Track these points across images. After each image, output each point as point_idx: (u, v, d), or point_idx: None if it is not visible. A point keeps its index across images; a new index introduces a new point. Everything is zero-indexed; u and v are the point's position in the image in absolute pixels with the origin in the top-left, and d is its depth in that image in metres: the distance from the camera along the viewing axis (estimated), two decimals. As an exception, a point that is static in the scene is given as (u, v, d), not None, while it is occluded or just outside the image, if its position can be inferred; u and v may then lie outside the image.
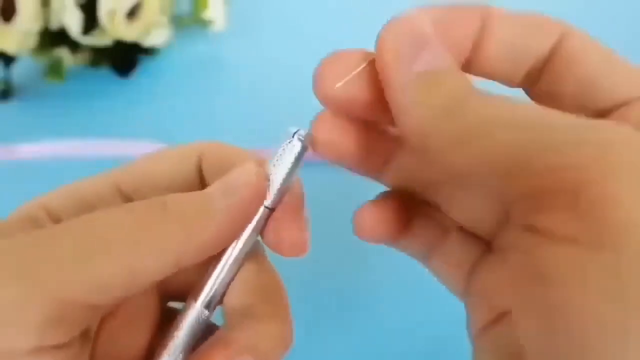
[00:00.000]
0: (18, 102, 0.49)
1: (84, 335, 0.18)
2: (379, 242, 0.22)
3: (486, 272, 0.20)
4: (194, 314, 0.20)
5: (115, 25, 0.46)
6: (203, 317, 0.20)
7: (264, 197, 0.20)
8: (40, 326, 0.16)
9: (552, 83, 0.19)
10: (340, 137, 0.20)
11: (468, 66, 0.20)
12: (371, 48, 0.20)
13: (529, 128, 0.15)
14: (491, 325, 0.19)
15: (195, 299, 0.20)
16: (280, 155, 0.20)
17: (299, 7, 0.58)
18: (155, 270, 0.18)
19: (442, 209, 0.22)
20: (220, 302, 0.20)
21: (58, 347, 0.17)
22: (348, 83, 0.18)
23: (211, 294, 0.20)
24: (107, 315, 0.20)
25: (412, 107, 0.17)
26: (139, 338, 0.21)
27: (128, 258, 0.17)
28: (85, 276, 0.17)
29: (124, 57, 0.50)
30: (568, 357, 0.14)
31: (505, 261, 0.19)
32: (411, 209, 0.22)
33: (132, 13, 0.47)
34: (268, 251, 0.21)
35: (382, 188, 0.23)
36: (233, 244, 0.20)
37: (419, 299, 0.35)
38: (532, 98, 0.20)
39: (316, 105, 0.21)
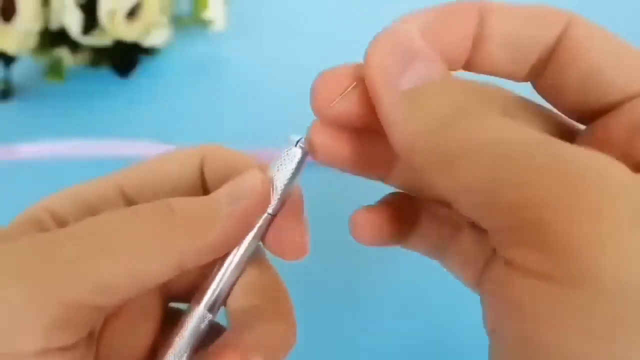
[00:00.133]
0: (18, 102, 0.49)
1: (89, 336, 0.19)
2: (377, 245, 0.22)
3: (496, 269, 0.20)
4: (197, 316, 0.20)
5: (115, 25, 0.46)
6: (206, 319, 0.20)
7: (268, 204, 0.20)
8: (46, 328, 0.16)
9: (557, 76, 0.19)
10: (339, 143, 0.20)
11: (470, 65, 0.19)
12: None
13: (499, 159, 0.15)
14: None
15: (199, 302, 0.20)
16: (282, 162, 0.20)
17: (299, 7, 0.58)
18: (159, 272, 0.18)
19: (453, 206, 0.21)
20: (223, 304, 0.21)
21: (64, 349, 0.17)
22: (342, 100, 0.18)
23: (214, 296, 0.20)
24: (111, 316, 0.20)
25: (398, 125, 0.17)
26: (142, 339, 0.21)
27: (132, 260, 0.17)
28: (90, 278, 0.17)
29: (124, 57, 0.50)
30: None
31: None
32: (418, 209, 0.22)
33: (132, 13, 0.47)
34: (268, 253, 0.22)
35: (381, 189, 0.23)
36: (236, 248, 0.20)
37: (419, 299, 0.35)
38: (538, 92, 0.20)
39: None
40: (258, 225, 0.20)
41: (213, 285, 0.20)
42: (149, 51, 0.51)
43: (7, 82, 0.49)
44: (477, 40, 0.19)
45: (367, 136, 0.20)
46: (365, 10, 0.55)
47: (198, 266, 0.19)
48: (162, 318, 0.22)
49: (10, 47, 0.45)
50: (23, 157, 0.45)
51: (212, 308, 0.20)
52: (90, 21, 0.45)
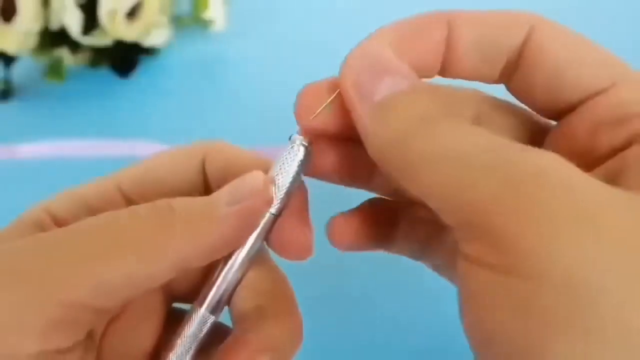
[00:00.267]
0: (18, 102, 0.49)
1: (89, 338, 0.18)
2: (355, 251, 0.22)
3: None
4: (199, 317, 0.20)
5: (115, 25, 0.46)
6: (209, 320, 0.20)
7: (270, 204, 0.20)
8: (43, 330, 0.16)
9: (525, 77, 0.19)
10: (320, 154, 0.21)
11: (444, 71, 0.20)
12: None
13: (453, 165, 0.16)
14: None
15: (201, 303, 0.20)
16: (284, 161, 0.20)
17: (299, 7, 0.58)
18: (159, 273, 0.18)
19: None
20: (227, 304, 0.21)
21: (62, 351, 0.17)
22: (321, 114, 0.19)
23: (217, 297, 0.20)
24: (113, 316, 0.20)
25: (370, 136, 0.18)
26: (145, 339, 0.21)
27: (132, 261, 0.17)
28: (89, 279, 0.17)
29: (124, 57, 0.50)
30: None
31: None
32: (397, 214, 0.23)
33: (132, 13, 0.47)
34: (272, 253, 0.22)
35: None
36: (239, 248, 0.20)
37: (419, 299, 0.35)
38: (511, 93, 0.21)
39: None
40: (261, 225, 0.20)
41: (216, 286, 0.20)
42: (149, 51, 0.51)
43: (7, 82, 0.49)
44: (449, 48, 0.20)
45: (347, 146, 0.21)
46: (365, 11, 0.55)
47: (200, 266, 0.19)
48: (165, 318, 0.22)
49: (10, 47, 0.45)
50: (23, 157, 0.45)
51: (215, 309, 0.20)
52: (91, 21, 0.46)
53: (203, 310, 0.20)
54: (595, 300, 0.14)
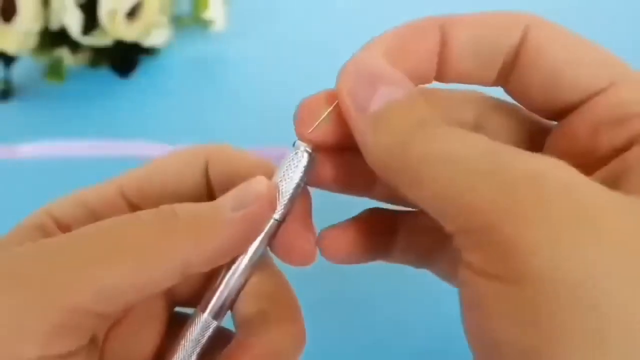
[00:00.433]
0: (18, 102, 0.49)
1: (91, 342, 0.18)
2: (349, 263, 0.22)
3: None
4: (202, 322, 0.20)
5: (115, 25, 0.46)
6: (212, 325, 0.20)
7: (274, 210, 0.20)
8: (45, 335, 0.16)
9: (522, 78, 0.19)
10: (321, 165, 0.21)
11: (441, 76, 0.20)
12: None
13: (451, 170, 0.16)
14: None
15: (204, 308, 0.20)
16: (288, 167, 0.20)
17: (299, 7, 0.58)
18: (162, 279, 0.18)
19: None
20: (230, 309, 0.21)
21: (64, 356, 0.17)
22: (319, 126, 0.20)
23: (220, 302, 0.20)
24: (115, 320, 0.20)
25: (368, 145, 0.18)
26: (147, 344, 0.21)
27: (135, 267, 0.17)
28: (92, 284, 0.17)
29: (124, 57, 0.50)
30: None
31: None
32: (395, 224, 0.22)
33: (132, 13, 0.47)
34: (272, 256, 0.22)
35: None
36: (242, 254, 0.20)
37: (420, 302, 0.35)
38: (509, 94, 0.21)
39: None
40: (264, 231, 0.20)
41: (219, 291, 0.20)
42: (149, 51, 0.51)
43: (7, 82, 0.49)
44: (443, 53, 0.20)
45: (345, 155, 0.21)
46: (365, 11, 0.55)
47: (203, 272, 0.19)
48: (168, 323, 0.22)
49: (10, 47, 0.45)
50: (23, 157, 0.45)
51: (218, 314, 0.20)
52: (91, 21, 0.45)
53: (206, 315, 0.20)
54: (598, 303, 0.14)
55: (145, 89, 0.51)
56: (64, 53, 0.48)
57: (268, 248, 0.21)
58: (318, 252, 0.21)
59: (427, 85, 0.21)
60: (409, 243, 0.23)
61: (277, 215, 0.20)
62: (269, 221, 0.20)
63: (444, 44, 0.19)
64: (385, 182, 0.18)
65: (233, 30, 0.55)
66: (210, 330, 0.20)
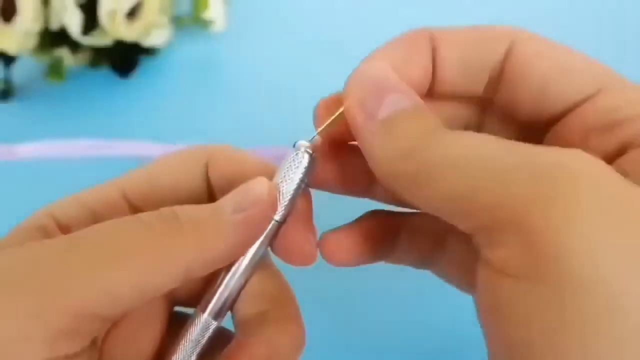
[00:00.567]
0: (18, 102, 0.49)
1: (92, 344, 0.18)
2: (350, 266, 0.22)
3: None
4: (202, 323, 0.20)
5: (115, 26, 0.46)
6: (212, 326, 0.20)
7: (275, 212, 0.20)
8: (49, 339, 0.16)
9: (509, 91, 0.20)
10: (320, 167, 0.21)
11: (430, 93, 0.21)
12: (370, 47, 0.20)
13: (472, 167, 0.16)
14: None
15: (204, 309, 0.20)
16: (288, 168, 0.20)
17: (299, 7, 0.58)
18: (164, 281, 0.18)
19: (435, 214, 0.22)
20: (230, 309, 0.21)
21: (67, 358, 0.17)
22: (328, 126, 0.20)
23: (220, 303, 0.20)
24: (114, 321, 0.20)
25: (375, 152, 0.18)
26: (147, 344, 0.21)
27: (138, 269, 0.17)
28: (95, 288, 0.17)
29: (124, 57, 0.50)
30: None
31: None
32: (396, 226, 0.23)
33: (132, 13, 0.47)
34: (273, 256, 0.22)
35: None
36: (243, 256, 0.20)
37: (424, 302, 0.35)
38: (498, 109, 0.21)
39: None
40: (265, 232, 0.20)
41: (219, 292, 0.20)
42: (149, 51, 0.51)
43: (7, 82, 0.49)
44: (435, 71, 0.20)
45: (346, 157, 0.21)
46: (364, 11, 0.55)
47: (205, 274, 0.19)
48: (167, 322, 0.22)
49: (10, 47, 0.45)
50: (23, 157, 0.45)
51: (218, 314, 0.20)
52: (91, 21, 0.45)
53: (206, 315, 0.20)
54: (627, 304, 0.13)
55: (145, 89, 0.51)
56: (64, 53, 0.48)
57: (269, 248, 0.21)
58: (318, 252, 0.21)
59: None
60: (411, 244, 0.23)
61: (277, 217, 0.20)
62: (269, 222, 0.20)
63: (434, 61, 0.20)
64: (389, 189, 0.19)
65: (233, 30, 0.55)
66: (210, 330, 0.20)
